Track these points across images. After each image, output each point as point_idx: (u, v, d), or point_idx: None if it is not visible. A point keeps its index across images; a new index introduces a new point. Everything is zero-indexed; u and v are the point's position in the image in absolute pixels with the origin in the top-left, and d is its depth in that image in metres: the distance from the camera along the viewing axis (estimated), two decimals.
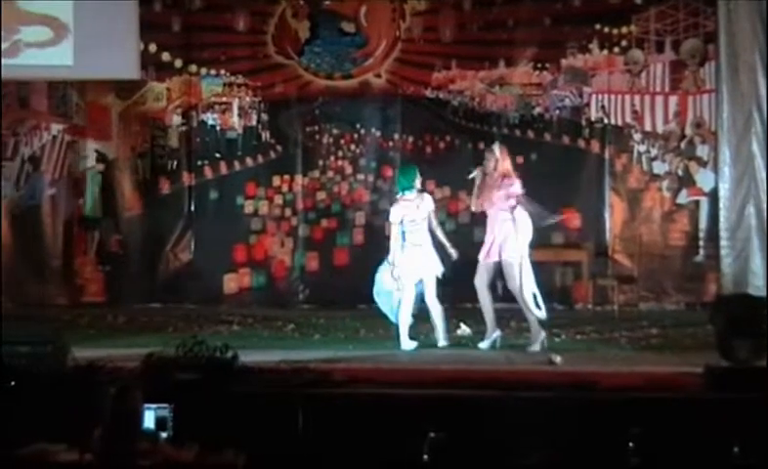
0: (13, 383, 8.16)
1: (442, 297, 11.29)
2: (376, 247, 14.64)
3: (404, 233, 11.16)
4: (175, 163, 15.50)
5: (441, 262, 11.18)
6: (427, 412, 7.78)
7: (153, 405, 7.23)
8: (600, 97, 15.05)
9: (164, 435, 7.19)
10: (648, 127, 14.98)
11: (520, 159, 14.09)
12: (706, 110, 14.81)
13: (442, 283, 11.29)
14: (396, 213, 11.27)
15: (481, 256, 11.12)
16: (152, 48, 15.20)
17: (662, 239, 14.88)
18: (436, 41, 15.23)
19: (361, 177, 15.32)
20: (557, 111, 15.09)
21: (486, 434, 7.61)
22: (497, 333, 11.16)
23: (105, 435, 6.52)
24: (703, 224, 14.80)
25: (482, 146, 13.61)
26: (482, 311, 11.20)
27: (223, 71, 15.41)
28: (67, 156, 15.48)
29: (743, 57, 14.05)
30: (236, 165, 15.47)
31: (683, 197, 14.89)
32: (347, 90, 15.38)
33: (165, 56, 15.33)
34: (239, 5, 15.36)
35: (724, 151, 14.26)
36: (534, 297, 11.01)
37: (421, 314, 11.34)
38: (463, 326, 11.49)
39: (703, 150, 14.87)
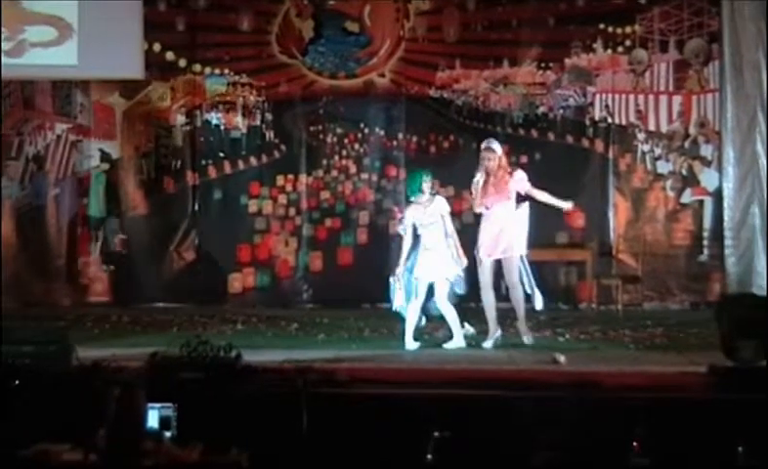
0: (17, 383, 8.15)
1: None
2: (380, 247, 14.73)
3: (418, 236, 11.20)
4: (179, 163, 15.51)
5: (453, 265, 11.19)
6: (431, 412, 7.76)
7: (157, 405, 7.24)
8: (604, 96, 15.06)
9: (168, 434, 7.21)
10: (652, 127, 14.99)
11: (524, 159, 14.18)
12: (710, 110, 14.82)
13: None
14: (407, 216, 11.29)
15: (482, 253, 11.13)
16: (157, 47, 15.22)
17: (667, 239, 14.88)
18: (440, 41, 15.24)
19: (365, 176, 15.33)
20: (561, 111, 15.10)
21: (489, 434, 7.60)
22: (499, 332, 11.19)
23: (109, 434, 6.53)
24: (707, 223, 14.80)
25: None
26: (484, 309, 11.22)
27: (227, 71, 15.42)
28: (72, 156, 15.50)
29: (747, 56, 14.05)
30: (241, 165, 15.48)
31: (687, 197, 14.89)
32: (351, 89, 15.39)
33: (169, 55, 15.35)
34: (244, 5, 15.37)
35: (728, 151, 14.26)
36: (528, 290, 11.10)
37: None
38: (466, 326, 11.48)
39: (707, 150, 14.87)
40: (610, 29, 14.98)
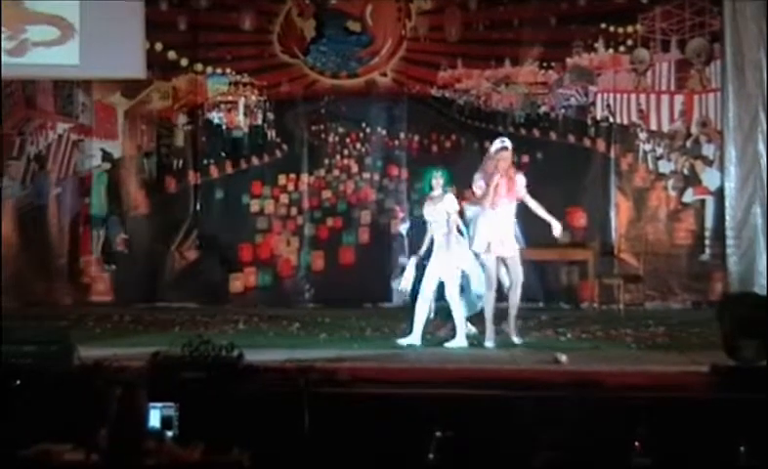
0: (18, 382, 8.15)
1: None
2: (382, 246, 14.74)
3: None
4: (181, 162, 15.51)
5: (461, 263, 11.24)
6: (433, 412, 7.77)
7: (159, 404, 7.24)
8: (606, 96, 15.06)
9: (170, 434, 7.21)
10: (654, 126, 14.99)
11: (526, 158, 14.16)
12: (712, 109, 14.82)
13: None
14: (424, 211, 11.44)
15: (490, 251, 11.14)
16: (158, 47, 15.21)
17: (668, 238, 14.88)
18: (441, 40, 15.24)
19: (366, 176, 15.32)
20: (563, 110, 15.10)
21: (491, 433, 7.60)
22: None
23: (110, 434, 6.53)
24: (708, 223, 14.80)
25: (488, 144, 13.58)
26: (483, 308, 11.25)
27: (229, 70, 15.41)
28: (73, 155, 15.49)
29: (748, 56, 14.07)
30: (242, 164, 15.48)
31: (689, 196, 14.89)
32: (353, 89, 15.39)
33: (171, 55, 15.34)
34: (245, 4, 15.37)
35: (730, 150, 14.29)
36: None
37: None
38: (468, 325, 11.48)
39: (708, 149, 14.87)
40: (611, 29, 14.99)
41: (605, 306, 14.18)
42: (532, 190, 11.45)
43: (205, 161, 15.46)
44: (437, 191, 11.28)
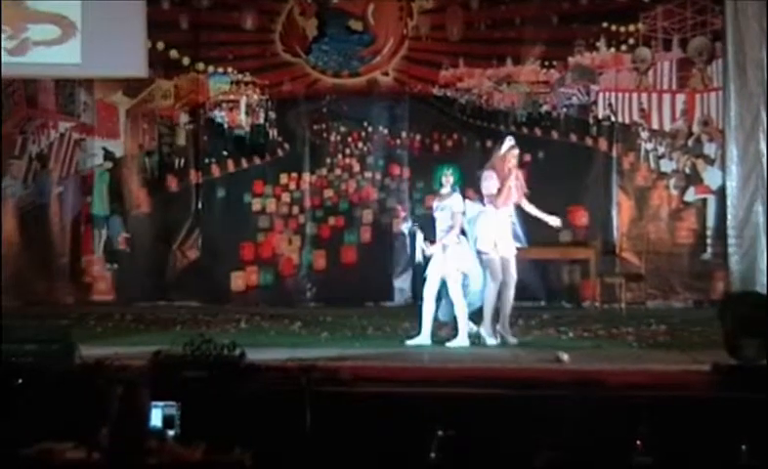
0: (20, 381, 8.15)
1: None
2: (383, 245, 14.75)
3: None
4: (182, 161, 15.52)
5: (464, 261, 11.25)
6: (434, 411, 7.77)
7: (161, 403, 7.24)
8: (607, 95, 15.06)
9: (172, 433, 7.21)
10: (655, 125, 14.99)
11: (527, 157, 14.15)
12: (714, 108, 14.82)
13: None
14: (433, 207, 11.50)
15: (497, 250, 11.14)
16: (160, 46, 15.22)
17: (670, 237, 14.89)
18: (443, 39, 15.25)
19: (368, 175, 15.33)
20: (564, 109, 15.10)
21: (493, 432, 7.60)
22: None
23: (112, 433, 6.54)
24: (710, 222, 14.80)
25: (489, 143, 13.59)
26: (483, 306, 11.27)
27: (230, 69, 15.43)
28: (75, 154, 15.51)
29: (750, 55, 14.06)
30: (244, 163, 15.49)
31: (690, 195, 14.89)
32: (354, 88, 15.40)
33: (173, 54, 15.36)
34: (247, 3, 15.38)
35: (731, 149, 14.28)
36: None
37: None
38: (470, 324, 11.48)
39: (710, 148, 14.88)
40: (613, 28, 14.99)
41: (606, 305, 14.17)
42: (533, 189, 11.48)
43: (207, 160, 15.48)
44: (446, 189, 11.29)
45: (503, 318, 11.25)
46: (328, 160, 15.38)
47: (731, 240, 14.23)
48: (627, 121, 15.01)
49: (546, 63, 15.09)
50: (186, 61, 15.40)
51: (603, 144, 15.01)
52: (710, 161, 14.85)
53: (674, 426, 7.57)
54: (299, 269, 15.31)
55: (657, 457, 7.17)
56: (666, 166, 14.96)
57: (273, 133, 15.45)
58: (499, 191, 11.18)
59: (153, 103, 15.49)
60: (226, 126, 15.49)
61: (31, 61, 14.69)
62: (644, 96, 15.02)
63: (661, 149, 14.97)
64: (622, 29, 14.98)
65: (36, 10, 14.66)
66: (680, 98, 14.98)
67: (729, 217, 14.28)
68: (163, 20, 15.25)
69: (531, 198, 11.44)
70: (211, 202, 15.44)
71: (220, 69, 15.43)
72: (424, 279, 11.35)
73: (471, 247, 11.24)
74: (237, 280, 15.26)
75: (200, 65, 15.41)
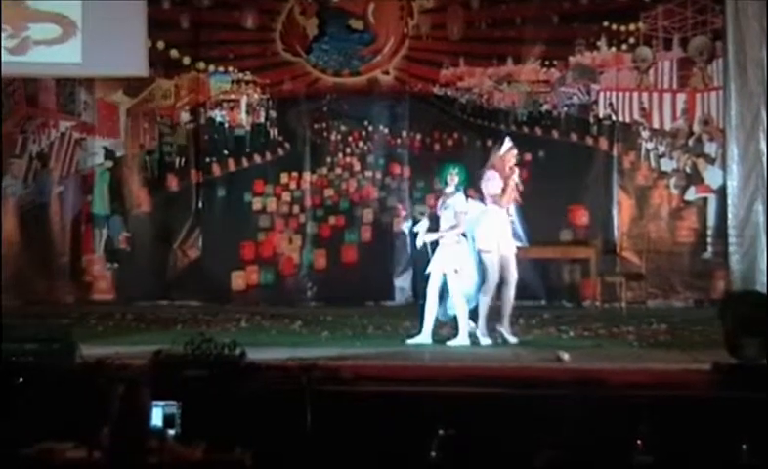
0: (21, 380, 8.16)
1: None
2: (384, 244, 14.75)
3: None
4: (183, 160, 15.52)
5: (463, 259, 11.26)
6: (435, 410, 7.77)
7: (161, 403, 7.22)
8: (608, 94, 15.05)
9: (172, 432, 7.19)
10: (656, 124, 14.98)
11: (528, 156, 14.15)
12: (714, 108, 14.81)
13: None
14: (438, 205, 11.49)
15: (493, 249, 11.15)
16: (161, 45, 15.22)
17: (671, 236, 14.88)
18: (444, 38, 15.25)
19: (369, 174, 15.33)
20: (565, 109, 15.09)
21: (493, 431, 7.60)
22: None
23: (113, 432, 6.53)
24: (711, 221, 14.80)
25: (490, 143, 13.58)
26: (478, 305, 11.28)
27: (231, 69, 15.42)
28: (75, 154, 15.51)
29: (750, 54, 14.06)
30: (245, 162, 15.48)
31: (691, 194, 14.89)
32: (355, 87, 15.39)
33: (173, 53, 15.35)
34: (248, 2, 15.38)
35: (732, 149, 14.28)
36: None
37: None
38: (471, 323, 11.48)
39: (711, 148, 14.87)
40: (614, 27, 14.98)
41: (607, 304, 14.15)
42: (534, 188, 11.49)
43: (207, 159, 15.47)
44: (450, 188, 11.29)
45: (503, 317, 11.26)
46: (329, 159, 15.38)
47: (731, 240, 14.22)
48: (628, 120, 15.00)
49: (547, 63, 15.08)
50: (186, 60, 15.39)
51: (603, 143, 15.01)
52: (711, 160, 14.84)
53: (675, 425, 7.57)
54: (300, 268, 15.30)
55: (657, 456, 7.16)
56: (667, 165, 14.95)
57: (273, 132, 15.45)
58: (503, 190, 11.20)
59: (154, 102, 15.49)
60: (226, 125, 15.49)
61: (32, 60, 14.69)
62: (644, 95, 15.01)
63: (662, 149, 14.96)
64: (623, 29, 14.97)
65: (37, 9, 14.65)
66: (681, 97, 14.97)
67: (729, 216, 14.28)
68: (164, 19, 15.25)
69: (532, 197, 11.45)
70: (212, 201, 15.44)
71: (220, 69, 15.43)
72: (425, 278, 11.36)
73: (471, 247, 11.23)
74: (238, 280, 15.26)
75: (201, 65, 15.41)
